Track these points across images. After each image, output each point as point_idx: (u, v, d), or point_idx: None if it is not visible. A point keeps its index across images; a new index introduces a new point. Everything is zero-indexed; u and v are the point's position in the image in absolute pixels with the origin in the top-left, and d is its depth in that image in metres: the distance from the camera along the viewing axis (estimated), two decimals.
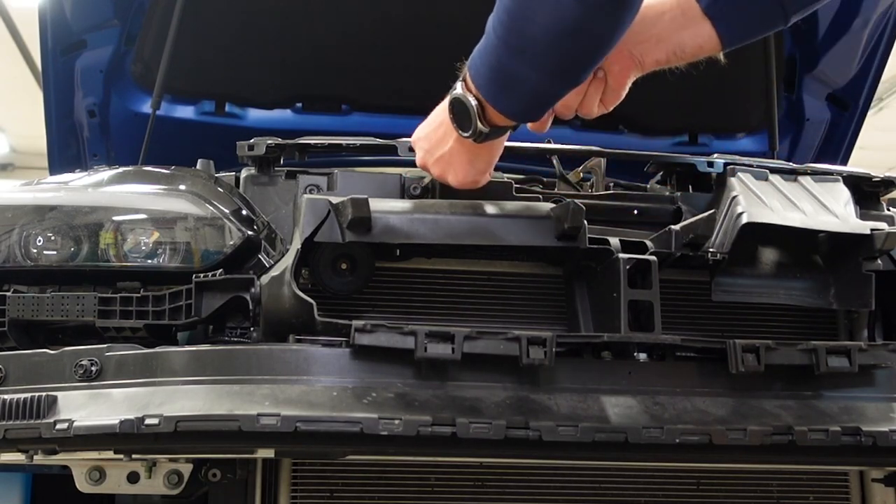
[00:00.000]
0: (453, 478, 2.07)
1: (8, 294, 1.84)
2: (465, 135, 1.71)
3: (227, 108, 3.30)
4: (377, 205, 1.78)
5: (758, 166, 2.04)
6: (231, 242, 1.83)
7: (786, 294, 1.92)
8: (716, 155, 2.12)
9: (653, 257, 1.82)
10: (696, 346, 1.80)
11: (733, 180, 1.98)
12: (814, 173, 2.05)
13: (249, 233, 1.84)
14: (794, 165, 2.13)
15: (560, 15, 1.50)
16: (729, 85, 3.26)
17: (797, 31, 3.18)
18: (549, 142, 2.41)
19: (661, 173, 2.24)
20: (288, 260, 1.78)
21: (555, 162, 2.31)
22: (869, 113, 3.42)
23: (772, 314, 2.03)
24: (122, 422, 1.59)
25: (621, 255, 1.81)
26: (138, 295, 1.82)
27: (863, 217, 2.01)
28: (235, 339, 1.79)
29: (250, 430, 1.56)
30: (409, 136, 1.93)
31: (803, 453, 1.74)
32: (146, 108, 3.14)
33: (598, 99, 1.73)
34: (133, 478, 2.00)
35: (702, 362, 1.80)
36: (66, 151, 3.43)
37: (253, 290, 1.77)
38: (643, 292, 1.79)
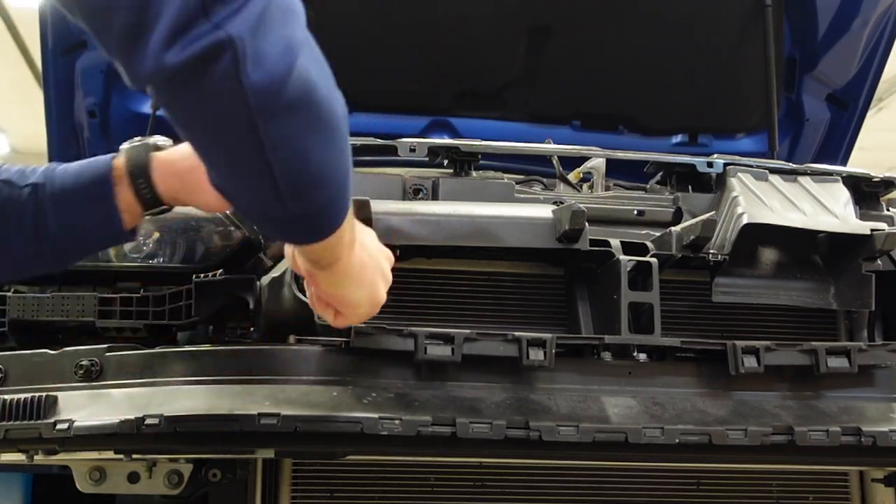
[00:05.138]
0: (453, 478, 2.07)
1: (8, 294, 1.84)
2: None
3: None
4: (378, 206, 1.78)
5: (758, 166, 2.04)
6: (231, 242, 1.83)
7: (786, 295, 1.92)
8: (716, 155, 2.12)
9: (653, 259, 1.82)
10: (695, 349, 1.80)
11: (733, 180, 1.97)
12: (813, 173, 2.05)
13: (249, 233, 1.84)
14: (794, 165, 2.13)
15: None
16: (729, 85, 3.26)
17: (797, 31, 3.18)
18: (549, 142, 2.41)
19: (660, 174, 2.23)
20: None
21: (555, 162, 2.31)
22: (869, 113, 3.41)
23: (772, 315, 2.03)
24: (122, 422, 1.59)
25: (622, 258, 1.80)
26: (138, 295, 1.82)
27: (863, 217, 2.01)
28: (235, 339, 1.79)
29: (250, 430, 1.55)
30: (409, 136, 1.92)
31: (803, 453, 1.74)
32: (146, 108, 3.14)
33: None
34: (133, 478, 1.99)
35: (702, 363, 1.80)
36: (66, 151, 3.42)
37: (253, 290, 1.77)
38: (643, 294, 1.79)
